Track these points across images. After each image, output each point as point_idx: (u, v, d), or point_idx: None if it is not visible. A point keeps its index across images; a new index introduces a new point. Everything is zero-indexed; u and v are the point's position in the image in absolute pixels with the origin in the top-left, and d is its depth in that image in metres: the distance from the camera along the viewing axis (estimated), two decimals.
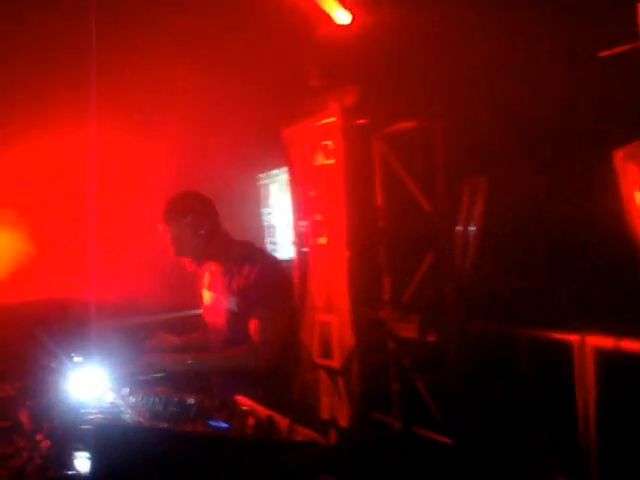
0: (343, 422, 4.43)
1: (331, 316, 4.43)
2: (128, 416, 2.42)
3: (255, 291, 3.32)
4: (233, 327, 3.41)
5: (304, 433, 2.14)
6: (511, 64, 4.06)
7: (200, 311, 3.82)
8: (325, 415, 4.48)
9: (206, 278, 3.68)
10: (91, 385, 2.83)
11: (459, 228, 4.35)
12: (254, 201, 5.94)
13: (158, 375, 3.42)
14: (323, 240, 4.54)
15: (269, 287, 3.37)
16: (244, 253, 3.46)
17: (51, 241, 5.39)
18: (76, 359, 2.95)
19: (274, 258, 3.73)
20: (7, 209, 5.33)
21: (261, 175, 5.78)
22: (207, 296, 3.65)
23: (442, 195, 4.32)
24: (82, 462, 2.10)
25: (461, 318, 4.27)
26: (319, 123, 4.48)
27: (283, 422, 2.23)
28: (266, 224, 5.89)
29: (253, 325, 3.27)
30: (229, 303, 3.47)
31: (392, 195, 4.48)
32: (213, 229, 3.51)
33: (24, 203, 5.35)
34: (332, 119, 4.36)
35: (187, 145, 5.32)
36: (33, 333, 3.85)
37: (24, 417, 3.19)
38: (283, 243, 5.61)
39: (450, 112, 4.30)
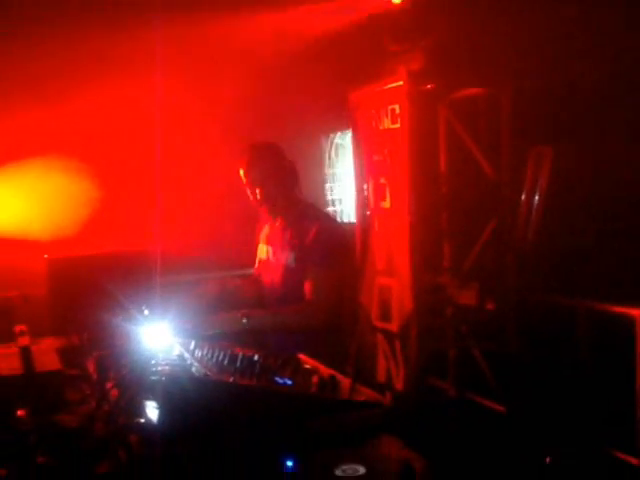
0: (398, 385, 4.40)
1: (391, 280, 4.43)
2: (195, 369, 2.50)
3: (312, 249, 3.38)
4: (289, 284, 3.46)
5: (366, 393, 2.19)
6: (585, 34, 4.03)
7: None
8: (381, 378, 4.47)
9: (264, 232, 3.72)
10: (158, 338, 2.96)
11: (523, 197, 4.28)
12: (318, 162, 5.99)
13: (216, 332, 3.53)
14: (386, 204, 4.53)
15: (325, 246, 3.42)
16: (306, 210, 3.53)
17: (117, 194, 5.49)
18: (144, 312, 3.10)
19: (334, 219, 3.76)
20: (73, 159, 5.44)
21: (326, 137, 5.78)
22: (264, 250, 3.69)
23: (506, 163, 4.28)
24: (152, 411, 2.19)
25: (521, 287, 4.25)
26: (386, 87, 4.44)
27: (345, 381, 2.28)
28: (329, 186, 5.91)
29: (307, 284, 3.31)
30: (287, 258, 3.53)
31: (456, 162, 4.46)
32: (293, 182, 3.61)
33: (90, 154, 5.45)
34: (399, 83, 4.31)
35: (253, 103, 5.38)
36: (101, 285, 3.99)
37: (91, 366, 3.31)
38: (346, 205, 5.63)
39: (518, 79, 4.24)
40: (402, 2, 4.40)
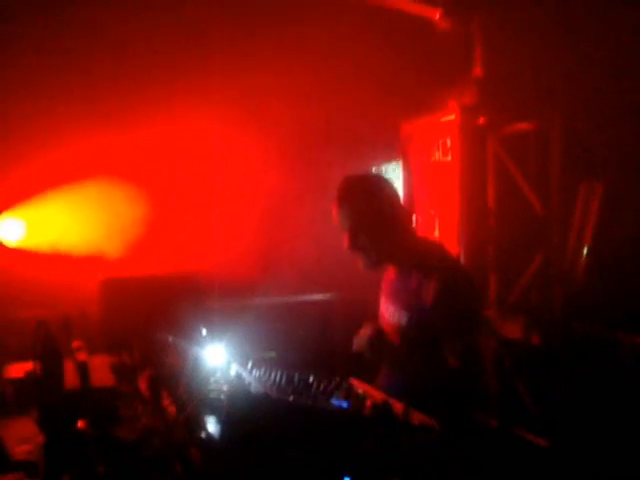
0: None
1: None
2: (254, 387, 2.54)
3: (435, 312, 2.68)
4: (406, 345, 2.77)
5: (419, 418, 2.22)
6: (635, 66, 4.03)
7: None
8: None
9: (385, 281, 2.96)
10: (216, 357, 2.91)
11: (571, 232, 4.28)
12: None
13: (270, 355, 3.54)
14: (435, 235, 4.58)
15: (452, 308, 2.65)
16: (423, 256, 2.83)
17: (172, 217, 5.55)
18: (204, 332, 3.05)
19: (458, 264, 3.13)
20: (131, 182, 5.51)
21: (375, 167, 5.79)
22: (382, 304, 2.99)
23: (555, 198, 4.28)
24: (212, 427, 2.25)
25: (567, 322, 4.22)
26: (438, 120, 4.52)
27: (398, 406, 2.29)
28: None
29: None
30: (399, 318, 2.91)
31: (504, 195, 4.48)
32: (395, 220, 2.86)
33: (147, 177, 5.50)
34: (451, 117, 4.41)
35: (305, 131, 5.38)
36: (154, 305, 4.03)
37: (143, 384, 3.35)
38: None
39: (568, 114, 4.24)
40: (454, 37, 4.48)
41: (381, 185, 2.92)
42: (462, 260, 4.38)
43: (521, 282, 4.42)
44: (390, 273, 2.96)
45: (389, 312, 2.98)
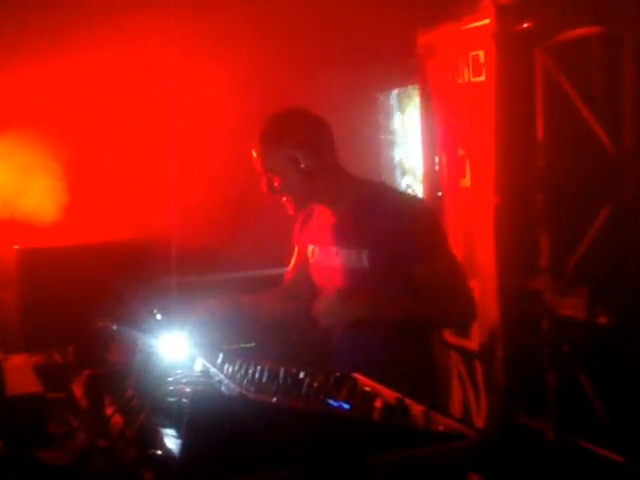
0: (479, 421, 4.54)
1: (471, 281, 4.26)
2: (225, 387, 2.59)
3: (400, 244, 3.28)
4: (363, 290, 3.37)
5: (445, 422, 2.25)
6: None
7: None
8: (456, 411, 4.56)
9: (307, 227, 3.64)
10: (176, 349, 2.99)
11: None
12: (375, 127, 6.13)
13: (247, 345, 3.59)
14: (465, 182, 4.61)
15: (421, 234, 3.34)
16: (373, 193, 3.45)
17: (119, 172, 5.57)
18: (158, 317, 3.15)
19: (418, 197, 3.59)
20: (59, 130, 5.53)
21: (384, 95, 5.79)
22: (314, 252, 3.64)
23: (630, 128, 4.23)
24: (172, 441, 2.27)
25: None
26: (466, 27, 4.51)
27: (417, 408, 2.34)
28: (389, 158, 6.07)
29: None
30: (352, 258, 3.47)
31: (559, 126, 4.44)
32: (325, 162, 3.47)
33: (99, 137, 5.57)
34: (485, 22, 4.38)
35: (291, 54, 5.38)
36: (92, 283, 4.03)
37: (78, 390, 3.35)
38: (411, 183, 5.67)
39: None
40: None
41: (309, 123, 3.51)
42: (503, 214, 4.42)
43: (583, 244, 4.40)
44: (324, 216, 3.57)
45: (340, 256, 3.54)
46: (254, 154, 3.53)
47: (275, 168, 3.48)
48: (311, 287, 3.67)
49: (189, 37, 5.29)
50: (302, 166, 3.39)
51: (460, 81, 4.61)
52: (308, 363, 2.81)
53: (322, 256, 3.60)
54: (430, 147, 4.88)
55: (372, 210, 3.42)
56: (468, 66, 4.55)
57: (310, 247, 3.69)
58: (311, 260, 3.68)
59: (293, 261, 3.84)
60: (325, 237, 3.58)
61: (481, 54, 4.48)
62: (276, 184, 3.51)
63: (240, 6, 5.63)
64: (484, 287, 4.50)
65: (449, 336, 4.67)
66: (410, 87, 5.25)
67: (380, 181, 3.57)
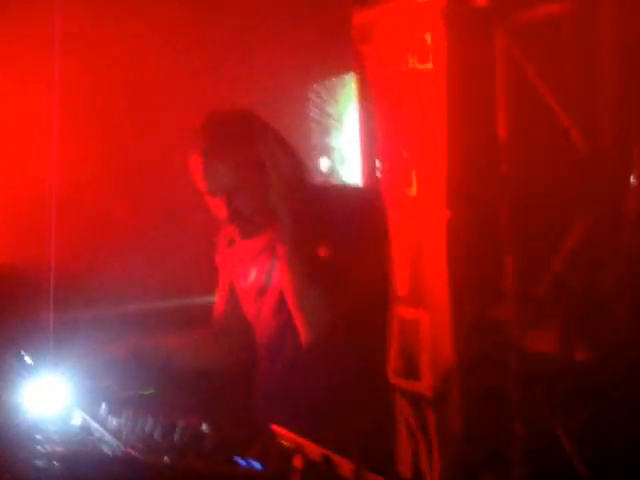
0: None
1: (419, 311, 4.41)
2: (108, 446, 2.55)
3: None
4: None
5: None
6: None
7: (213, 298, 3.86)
8: (404, 467, 4.41)
9: (233, 247, 3.68)
10: (50, 399, 3.04)
11: (632, 180, 4.13)
12: (307, 122, 6.20)
13: (145, 392, 3.57)
14: (411, 192, 4.47)
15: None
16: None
17: None
18: (27, 360, 3.19)
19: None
20: None
21: (313, 86, 5.79)
22: (246, 277, 3.71)
23: (608, 125, 4.11)
24: None
25: (631, 323, 4.09)
26: (410, 3, 4.36)
27: (345, 466, 2.49)
28: (324, 159, 6.14)
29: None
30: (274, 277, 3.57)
31: (524, 123, 4.32)
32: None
33: None
34: None
35: (214, 44, 5.51)
36: None
37: None
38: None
39: None
40: None
41: (260, 123, 3.63)
42: (456, 229, 4.32)
43: (555, 264, 4.27)
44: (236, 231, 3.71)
45: (255, 279, 3.65)
46: (193, 161, 3.54)
47: (245, 178, 3.53)
48: (244, 322, 3.72)
49: None
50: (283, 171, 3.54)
51: (403, 69, 4.49)
52: (219, 412, 2.97)
53: (248, 280, 3.67)
54: (369, 148, 4.79)
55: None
56: (412, 51, 4.45)
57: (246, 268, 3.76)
58: (241, 283, 3.74)
59: (219, 289, 3.84)
60: (248, 254, 3.64)
61: (428, 36, 4.35)
62: (240, 202, 3.57)
63: None
64: (436, 318, 4.39)
65: (394, 377, 4.52)
66: (345, 77, 5.32)
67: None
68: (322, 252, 3.42)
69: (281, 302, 3.54)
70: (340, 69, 5.43)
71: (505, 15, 4.31)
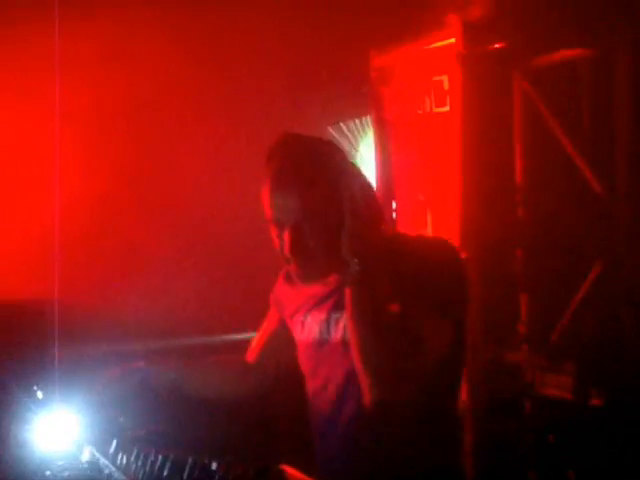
0: None
1: None
2: None
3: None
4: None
5: None
6: None
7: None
8: None
9: (293, 289, 3.45)
10: (59, 435, 2.92)
11: None
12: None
13: (155, 429, 3.52)
14: (425, 232, 4.50)
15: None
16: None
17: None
18: (38, 394, 3.02)
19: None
20: None
21: (334, 128, 5.80)
22: (308, 323, 3.47)
23: (623, 168, 4.16)
24: None
25: None
26: (428, 48, 4.41)
27: None
28: None
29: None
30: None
31: (540, 166, 4.41)
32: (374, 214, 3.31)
33: None
34: (449, 41, 4.27)
35: (223, 86, 5.49)
36: None
37: None
38: None
39: None
40: None
41: (342, 154, 3.06)
42: (471, 273, 4.19)
43: (570, 308, 4.32)
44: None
45: (325, 331, 3.18)
46: (273, 186, 3.16)
47: (315, 210, 3.15)
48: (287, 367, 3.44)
49: None
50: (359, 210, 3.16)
51: (420, 112, 4.56)
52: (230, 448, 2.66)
53: (314, 332, 3.39)
54: (386, 190, 4.78)
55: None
56: (430, 94, 4.51)
57: (310, 317, 3.39)
58: (300, 337, 3.40)
59: (266, 325, 3.61)
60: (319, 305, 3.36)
61: (445, 80, 4.40)
62: (306, 236, 3.12)
63: None
64: None
65: None
66: (362, 119, 5.30)
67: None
68: (395, 306, 3.18)
69: (343, 356, 3.26)
70: (358, 111, 5.42)
71: (522, 59, 4.40)
